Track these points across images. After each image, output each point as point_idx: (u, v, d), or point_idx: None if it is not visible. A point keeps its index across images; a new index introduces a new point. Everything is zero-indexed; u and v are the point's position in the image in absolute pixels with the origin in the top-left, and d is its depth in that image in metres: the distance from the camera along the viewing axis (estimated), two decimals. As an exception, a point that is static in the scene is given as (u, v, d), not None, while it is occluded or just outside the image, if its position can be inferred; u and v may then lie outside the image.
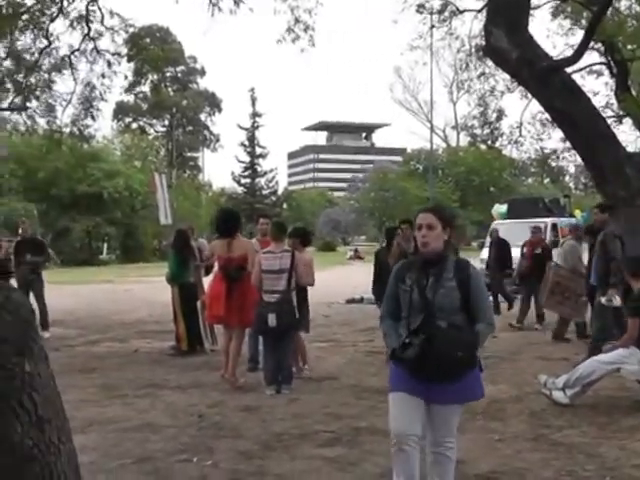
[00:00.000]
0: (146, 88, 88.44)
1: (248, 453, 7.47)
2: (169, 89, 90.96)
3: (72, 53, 20.52)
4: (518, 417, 8.88)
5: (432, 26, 22.24)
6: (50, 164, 54.38)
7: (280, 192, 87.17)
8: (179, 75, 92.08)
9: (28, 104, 22.99)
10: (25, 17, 18.45)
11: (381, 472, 6.76)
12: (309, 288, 11.43)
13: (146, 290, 28.93)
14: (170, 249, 14.63)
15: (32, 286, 16.12)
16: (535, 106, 28.58)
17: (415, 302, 5.27)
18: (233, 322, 10.82)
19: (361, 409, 9.34)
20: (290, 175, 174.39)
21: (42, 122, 25.15)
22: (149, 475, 6.82)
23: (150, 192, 58.31)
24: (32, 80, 21.57)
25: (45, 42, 20.21)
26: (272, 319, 10.08)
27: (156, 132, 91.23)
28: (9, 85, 21.89)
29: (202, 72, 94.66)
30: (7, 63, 22.22)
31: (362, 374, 11.60)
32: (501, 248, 20.38)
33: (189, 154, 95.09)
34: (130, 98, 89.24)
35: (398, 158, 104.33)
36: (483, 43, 13.53)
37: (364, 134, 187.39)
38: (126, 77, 28.41)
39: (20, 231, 17.10)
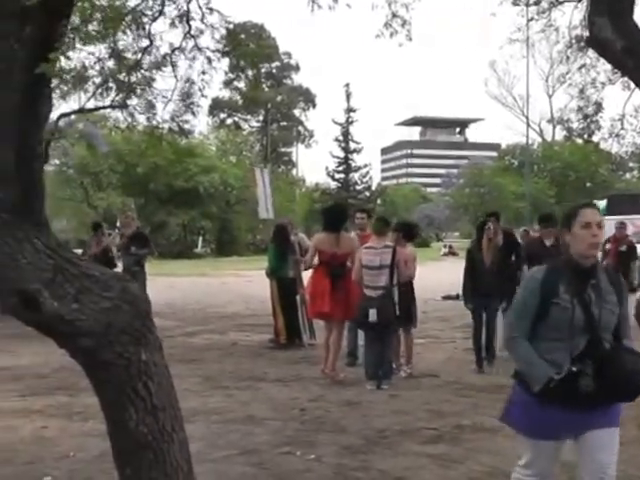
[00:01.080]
0: (242, 84, 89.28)
1: (351, 448, 7.51)
2: (264, 85, 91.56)
3: (173, 51, 20.78)
4: None
5: (530, 18, 21.85)
6: (148, 160, 55.25)
7: (374, 187, 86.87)
8: (274, 71, 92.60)
9: (128, 102, 23.38)
10: (128, 18, 18.71)
11: (488, 471, 6.72)
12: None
13: (241, 283, 29.22)
14: (270, 243, 14.78)
15: (136, 278, 16.41)
16: (638, 98, 27.88)
17: (578, 321, 4.36)
18: (337, 317, 10.86)
19: (463, 407, 9.29)
20: (383, 170, 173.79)
21: (141, 119, 25.52)
22: (254, 467, 6.92)
23: (245, 187, 59.15)
24: (133, 78, 21.90)
25: (146, 41, 20.52)
26: (373, 314, 10.09)
27: (251, 127, 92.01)
28: (112, 84, 22.28)
29: (296, 68, 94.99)
30: (109, 63, 22.58)
31: (462, 371, 11.53)
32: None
33: (283, 149, 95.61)
34: (225, 94, 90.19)
35: (492, 153, 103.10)
36: (584, 34, 13.22)
37: (457, 129, 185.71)
38: (226, 73, 28.68)
39: (117, 224, 17.43)
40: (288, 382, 10.75)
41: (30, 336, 14.97)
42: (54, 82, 5.21)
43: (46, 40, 3.56)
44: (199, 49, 21.31)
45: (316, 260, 11.31)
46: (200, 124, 60.10)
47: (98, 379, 4.09)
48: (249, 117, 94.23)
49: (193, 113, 23.95)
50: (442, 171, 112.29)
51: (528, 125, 68.37)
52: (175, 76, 22.26)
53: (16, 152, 3.78)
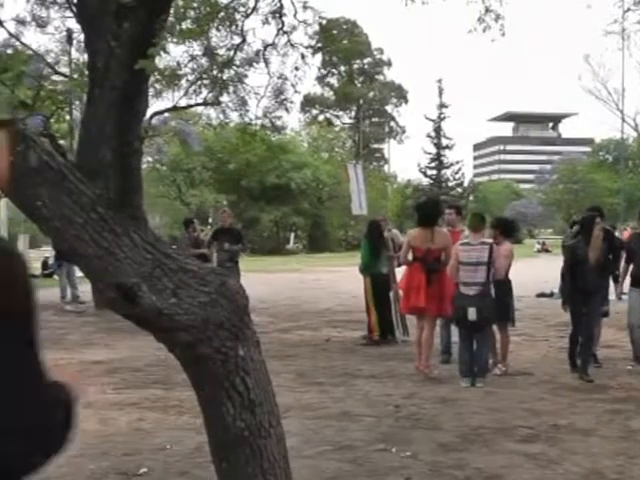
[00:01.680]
0: (334, 80, 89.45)
1: (447, 445, 7.42)
2: (356, 81, 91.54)
3: (266, 48, 20.90)
4: None
5: (627, 9, 21.30)
6: (240, 156, 55.77)
7: (466, 184, 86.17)
8: (366, 67, 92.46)
9: (221, 99, 23.59)
10: (221, 15, 18.88)
11: (584, 473, 6.58)
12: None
13: (334, 280, 29.23)
14: (363, 239, 14.75)
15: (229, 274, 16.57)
16: None
17: None
18: (432, 312, 10.76)
19: (559, 406, 9.11)
20: (475, 167, 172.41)
21: (234, 116, 25.71)
22: (349, 463, 6.88)
23: (337, 183, 59.25)
24: (225, 76, 22.09)
25: (239, 38, 20.69)
26: (472, 313, 9.96)
27: (343, 124, 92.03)
28: (204, 81, 22.50)
29: (388, 64, 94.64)
30: (202, 61, 22.84)
31: (557, 370, 11.30)
32: None
33: (375, 145, 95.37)
34: (317, 90, 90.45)
35: (585, 148, 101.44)
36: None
37: (551, 124, 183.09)
38: (319, 69, 28.84)
39: (210, 220, 17.58)
40: (382, 378, 10.69)
41: (124, 330, 15.35)
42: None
43: (144, 36, 3.56)
44: (292, 45, 21.45)
45: (410, 256, 11.21)
46: (292, 121, 60.48)
47: (195, 374, 4.09)
48: (341, 113, 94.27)
49: (286, 109, 24.11)
50: (535, 167, 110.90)
51: (623, 119, 66.68)
52: (268, 72, 22.48)
53: (115, 148, 3.80)
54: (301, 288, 26.86)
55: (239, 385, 4.04)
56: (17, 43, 19.81)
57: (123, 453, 7.19)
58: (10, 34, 19.67)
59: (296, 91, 23.67)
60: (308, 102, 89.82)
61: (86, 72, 17.09)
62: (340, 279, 28.08)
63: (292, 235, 66.04)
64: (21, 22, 20.48)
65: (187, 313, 3.81)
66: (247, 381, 4.06)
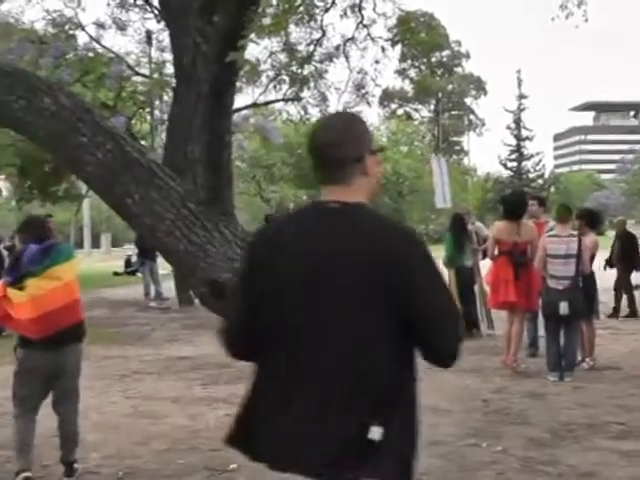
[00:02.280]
0: (412, 74, 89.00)
1: (538, 441, 7.28)
2: (435, 74, 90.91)
3: (346, 42, 20.92)
4: None
5: None
6: (320, 152, 55.73)
7: (547, 175, 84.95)
8: (444, 59, 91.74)
9: (301, 94, 23.67)
10: (300, 10, 18.95)
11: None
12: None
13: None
14: (447, 233, 14.62)
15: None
16: None
17: None
18: (521, 306, 10.59)
19: (651, 401, 8.89)
20: (556, 157, 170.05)
21: (314, 111, 25.77)
22: (440, 458, 6.79)
23: (417, 177, 59.00)
24: (305, 71, 22.16)
25: (318, 34, 20.75)
26: (564, 307, 9.78)
27: (422, 117, 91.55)
28: (285, 77, 22.61)
29: (467, 56, 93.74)
30: (282, 56, 22.93)
31: (645, 364, 11.05)
32: None
33: (454, 138, 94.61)
34: (395, 85, 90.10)
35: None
36: None
37: (632, 113, 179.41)
38: (400, 61, 28.80)
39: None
40: (469, 372, 10.54)
41: (208, 327, 15.37)
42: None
43: (234, 29, 3.54)
44: (372, 39, 21.40)
45: (496, 250, 11.06)
46: (371, 115, 60.44)
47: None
48: (420, 107, 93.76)
49: (368, 103, 24.08)
50: (616, 157, 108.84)
51: None
52: (348, 67, 22.49)
53: (205, 143, 3.80)
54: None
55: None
56: (98, 46, 20.15)
57: (212, 449, 7.20)
58: (91, 37, 20.02)
59: (377, 85, 23.65)
60: (387, 96, 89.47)
61: (166, 72, 17.28)
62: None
63: (372, 230, 65.87)
64: (101, 25, 20.83)
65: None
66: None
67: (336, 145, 2.84)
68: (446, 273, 14.20)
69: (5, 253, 15.52)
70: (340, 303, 2.68)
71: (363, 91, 23.86)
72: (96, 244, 64.55)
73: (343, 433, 2.61)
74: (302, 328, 2.72)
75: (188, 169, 4.07)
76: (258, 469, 2.76)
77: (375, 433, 2.58)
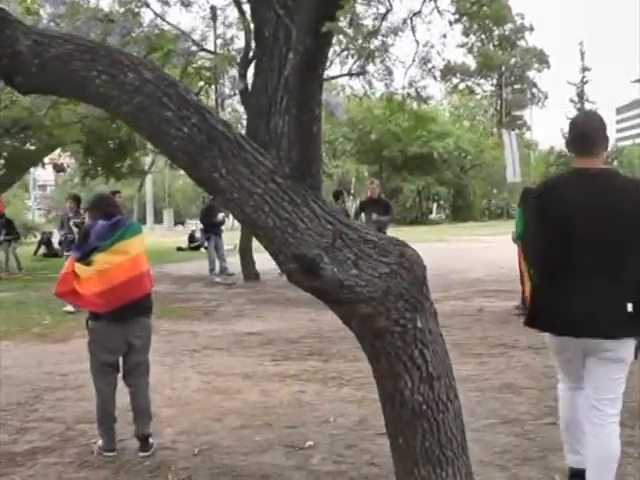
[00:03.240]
0: (475, 48, 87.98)
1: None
2: (498, 47, 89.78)
3: (413, 16, 20.70)
4: None
5: None
6: (382, 127, 55.56)
7: (609, 149, 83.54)
8: (507, 33, 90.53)
9: (366, 69, 23.48)
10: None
11: None
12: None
13: (480, 249, 28.85)
14: (517, 208, 14.41)
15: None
16: None
17: None
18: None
19: None
20: (619, 131, 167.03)
21: (379, 86, 25.63)
22: (518, 437, 6.69)
23: (480, 152, 58.46)
24: (371, 45, 22.00)
25: (384, 8, 20.54)
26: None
27: (484, 92, 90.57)
28: (351, 52, 22.45)
29: (530, 29, 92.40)
30: (348, 31, 22.75)
31: None
32: None
33: (517, 112, 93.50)
34: (458, 59, 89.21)
35: None
36: None
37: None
38: (467, 35, 28.51)
39: (352, 191, 17.56)
40: (540, 350, 10.32)
41: (275, 302, 15.48)
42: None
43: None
44: (439, 12, 21.14)
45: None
46: (434, 90, 59.98)
47: (372, 347, 3.98)
48: (482, 81, 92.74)
49: (435, 77, 23.82)
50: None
51: None
52: (415, 40, 22.24)
53: (294, 116, 3.71)
54: (447, 258, 26.50)
55: (417, 358, 3.91)
56: (163, 23, 20.15)
57: (287, 425, 7.18)
58: (156, 14, 20.00)
59: (443, 59, 23.43)
60: (449, 71, 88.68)
61: (231, 47, 17.21)
62: (486, 248, 27.68)
63: (435, 205, 65.50)
64: (166, 2, 20.80)
65: (368, 285, 3.70)
66: (425, 354, 3.94)
67: (596, 131, 4.88)
68: (516, 249, 14.02)
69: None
70: (613, 230, 4.71)
71: (429, 65, 23.60)
72: (158, 220, 65.07)
73: (614, 308, 4.73)
74: (588, 244, 4.73)
75: (272, 143, 3.99)
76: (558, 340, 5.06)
77: (630, 308, 4.71)
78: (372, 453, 6.31)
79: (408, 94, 24.59)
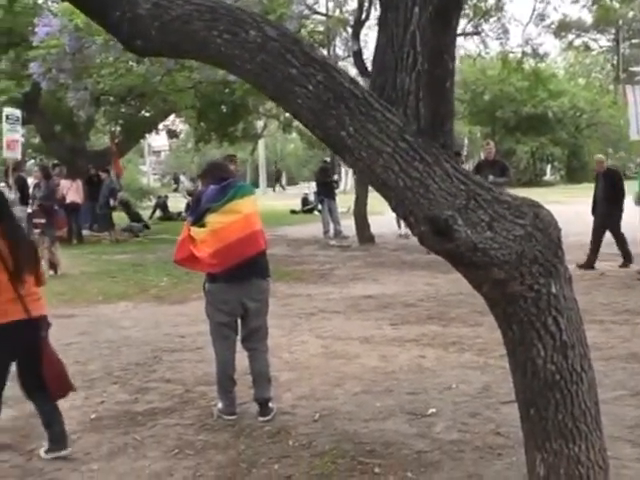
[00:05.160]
0: (591, 2, 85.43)
1: None
2: (614, 2, 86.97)
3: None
4: None
5: None
6: (496, 87, 54.54)
7: None
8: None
9: (480, 28, 22.99)
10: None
11: None
12: None
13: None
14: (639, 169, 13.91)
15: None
16: None
17: None
18: None
19: None
20: None
21: (494, 45, 25.23)
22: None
23: (595, 110, 56.86)
24: (486, 5, 21.51)
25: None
26: None
27: (600, 48, 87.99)
28: (466, 11, 21.98)
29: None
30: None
31: None
32: None
33: (635, 68, 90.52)
34: (573, 15, 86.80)
35: None
36: None
37: None
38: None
39: (484, 154, 17.28)
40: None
41: (390, 265, 15.35)
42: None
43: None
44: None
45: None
46: (547, 47, 58.50)
47: (504, 313, 3.81)
48: (598, 36, 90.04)
49: (554, 34, 23.16)
50: None
51: None
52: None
53: (426, 71, 3.54)
54: (563, 221, 25.56)
55: (551, 325, 3.73)
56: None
57: (408, 392, 7.05)
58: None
59: (562, 14, 22.78)
60: (564, 27, 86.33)
61: (344, 9, 17.02)
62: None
63: (549, 166, 64.08)
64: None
65: (502, 248, 3.53)
66: (559, 321, 3.75)
67: None
68: (637, 210, 13.54)
69: (188, 198, 15.85)
70: None
71: (546, 22, 22.98)
72: (271, 183, 65.49)
73: None
74: None
75: (398, 100, 3.83)
76: None
77: None
78: (496, 422, 6.14)
79: (524, 52, 24.00)
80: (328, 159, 26.06)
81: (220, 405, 6.62)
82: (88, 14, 4.59)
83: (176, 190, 28.34)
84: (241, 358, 6.70)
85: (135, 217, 26.37)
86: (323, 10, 21.30)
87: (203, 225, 6.36)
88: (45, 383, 5.61)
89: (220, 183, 6.46)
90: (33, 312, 5.53)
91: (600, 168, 15.14)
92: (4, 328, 5.42)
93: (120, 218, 25.03)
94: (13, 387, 7.65)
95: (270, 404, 6.59)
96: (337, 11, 20.55)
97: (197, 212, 6.49)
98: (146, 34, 3.93)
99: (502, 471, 5.24)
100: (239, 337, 6.65)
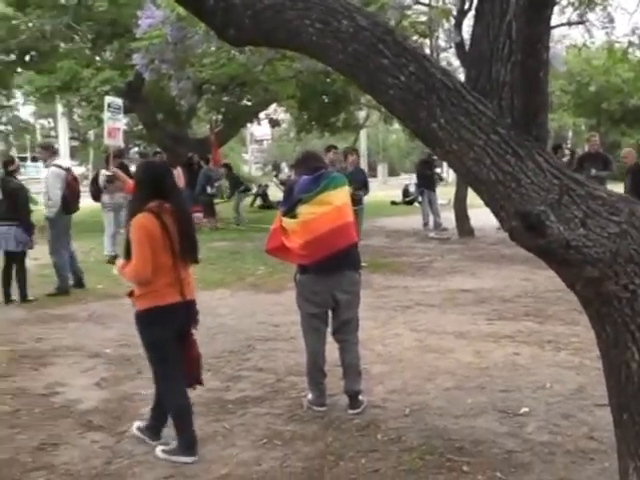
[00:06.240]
0: None
1: None
2: None
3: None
4: None
5: None
6: (602, 78, 53.33)
7: None
8: None
9: (586, 17, 22.43)
10: None
11: None
12: None
13: None
14: None
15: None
16: None
17: None
18: None
19: None
20: None
21: (599, 35, 24.66)
22: None
23: None
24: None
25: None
26: None
27: None
28: (573, 0, 21.48)
29: None
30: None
31: None
32: None
33: None
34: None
35: None
36: None
37: None
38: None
39: (588, 147, 16.90)
40: None
41: (489, 259, 15.15)
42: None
43: None
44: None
45: None
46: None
47: (597, 313, 3.68)
48: None
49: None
50: None
51: None
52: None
53: (520, 61, 3.44)
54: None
55: (646, 327, 3.59)
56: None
57: (501, 389, 6.93)
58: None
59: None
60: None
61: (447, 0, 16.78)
62: None
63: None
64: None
65: (595, 245, 3.41)
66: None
67: None
68: None
69: (281, 188, 15.93)
70: None
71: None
72: (373, 174, 65.38)
73: None
74: None
75: (493, 92, 3.73)
76: None
77: None
78: (590, 425, 5.99)
79: (630, 42, 23.36)
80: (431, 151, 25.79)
81: (310, 396, 6.62)
82: (183, 3, 4.62)
83: (276, 177, 28.53)
84: (332, 349, 6.68)
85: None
86: (426, 0, 21.08)
87: (294, 216, 6.36)
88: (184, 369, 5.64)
89: (313, 173, 6.44)
90: (188, 296, 5.57)
91: (631, 160, 14.74)
92: (164, 311, 5.44)
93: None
94: (109, 369, 7.89)
95: (360, 397, 6.56)
96: (440, 1, 20.29)
97: (289, 202, 6.49)
98: (239, 23, 3.92)
99: (594, 477, 5.10)
100: (330, 329, 6.63)
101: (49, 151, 12.94)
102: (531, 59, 3.36)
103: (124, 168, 14.42)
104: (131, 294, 5.56)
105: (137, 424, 5.99)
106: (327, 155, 13.07)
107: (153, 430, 5.86)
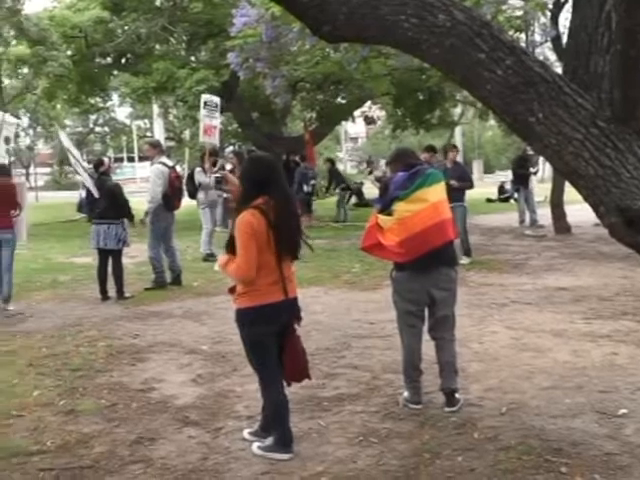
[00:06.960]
0: None
1: None
2: None
3: None
4: None
5: None
6: None
7: None
8: None
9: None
10: None
11: None
12: None
13: None
14: None
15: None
16: None
17: None
18: None
19: None
20: None
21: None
22: None
23: None
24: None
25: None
26: None
27: None
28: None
29: None
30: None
31: None
32: None
33: None
34: None
35: None
36: None
37: None
38: None
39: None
40: None
41: (587, 257, 14.87)
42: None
43: None
44: None
45: None
46: None
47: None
48: None
49: None
50: None
51: None
52: None
53: (618, 53, 3.36)
54: None
55: None
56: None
57: (599, 390, 6.78)
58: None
59: None
60: None
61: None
62: None
63: None
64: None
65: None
66: None
67: None
68: None
69: (377, 185, 15.86)
70: None
71: None
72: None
73: None
74: None
75: (592, 84, 3.65)
76: None
77: None
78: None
79: None
80: (528, 148, 25.48)
81: (406, 394, 6.59)
82: (278, 1, 4.64)
83: (370, 173, 28.47)
84: (429, 347, 6.64)
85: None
86: (523, -6, 20.76)
87: (390, 213, 6.32)
88: (283, 365, 5.58)
89: (409, 170, 6.40)
90: (290, 293, 5.51)
91: None
92: (267, 310, 5.39)
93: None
94: (205, 365, 7.99)
95: (457, 395, 6.50)
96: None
97: (385, 200, 6.45)
98: (334, 20, 3.92)
99: (696, 480, 4.95)
100: (426, 326, 6.59)
101: (157, 149, 13.14)
102: (631, 50, 3.28)
103: (220, 167, 14.57)
104: (232, 290, 5.53)
105: (247, 431, 5.97)
106: (422, 155, 13.00)
107: (267, 429, 5.82)
